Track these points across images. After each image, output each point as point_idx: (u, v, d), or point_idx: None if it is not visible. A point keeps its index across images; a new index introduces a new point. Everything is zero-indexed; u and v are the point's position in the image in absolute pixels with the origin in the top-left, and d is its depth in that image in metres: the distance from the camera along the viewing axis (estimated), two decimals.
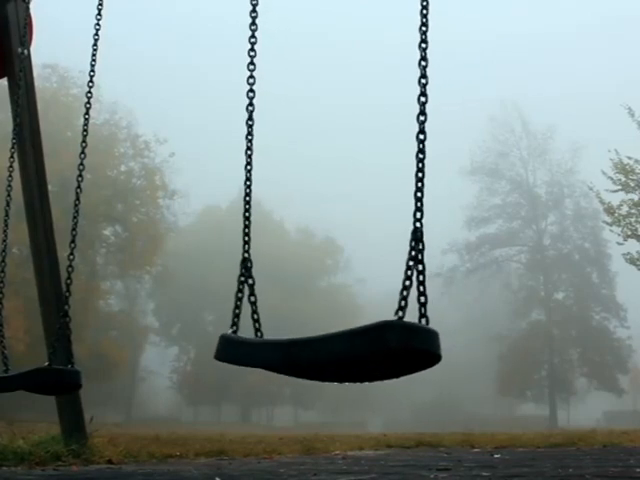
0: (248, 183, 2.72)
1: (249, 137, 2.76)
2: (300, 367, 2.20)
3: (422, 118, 2.18)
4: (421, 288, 2.02)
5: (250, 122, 2.77)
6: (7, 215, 4.32)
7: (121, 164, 38.93)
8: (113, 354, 36.21)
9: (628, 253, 24.46)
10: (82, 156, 4.06)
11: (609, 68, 65.98)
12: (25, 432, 6.20)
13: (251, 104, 2.77)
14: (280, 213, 56.47)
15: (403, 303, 1.98)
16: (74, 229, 3.99)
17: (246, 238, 2.62)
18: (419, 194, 2.12)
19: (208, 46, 76.69)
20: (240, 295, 2.46)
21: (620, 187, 24.57)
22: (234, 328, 2.40)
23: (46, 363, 3.69)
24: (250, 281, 2.49)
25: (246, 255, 2.55)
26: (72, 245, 3.92)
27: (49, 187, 5.57)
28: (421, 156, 2.16)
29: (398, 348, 1.91)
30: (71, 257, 3.83)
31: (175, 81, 74.18)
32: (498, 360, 46.68)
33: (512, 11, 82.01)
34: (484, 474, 3.56)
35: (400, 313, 1.96)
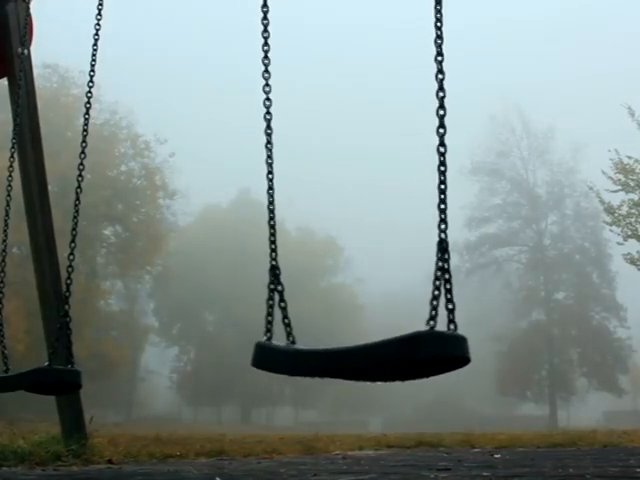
0: (271, 192, 2.75)
1: (269, 146, 2.79)
2: (336, 374, 2.37)
3: (442, 131, 2.25)
4: (449, 296, 2.12)
5: (269, 131, 2.79)
6: (7, 215, 4.32)
7: (121, 164, 38.90)
8: (113, 354, 36.19)
9: (628, 253, 24.48)
10: (82, 156, 4.05)
11: (610, 68, 65.96)
12: (25, 432, 6.21)
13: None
14: (280, 213, 56.09)
15: (434, 313, 2.09)
16: (74, 229, 3.98)
17: (272, 246, 2.66)
18: (442, 206, 2.20)
19: (208, 47, 76.64)
20: (271, 302, 2.53)
21: (620, 187, 24.58)
22: (268, 335, 2.47)
23: (46, 363, 3.69)
24: (279, 288, 2.55)
25: (274, 263, 2.61)
26: (72, 245, 3.91)
27: (49, 187, 5.57)
28: (442, 169, 2.23)
29: (431, 356, 2.08)
30: (71, 257, 3.82)
31: (176, 81, 74.16)
32: (498, 360, 46.67)
33: (512, 10, 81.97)
34: (484, 474, 3.56)
35: (431, 323, 2.07)
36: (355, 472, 3.96)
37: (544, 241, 49.21)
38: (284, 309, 2.52)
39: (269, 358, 2.44)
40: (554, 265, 48.11)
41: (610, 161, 24.79)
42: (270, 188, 2.74)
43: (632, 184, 24.38)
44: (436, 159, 2.22)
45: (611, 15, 70.92)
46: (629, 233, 23.91)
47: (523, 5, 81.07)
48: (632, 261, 24.36)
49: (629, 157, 24.41)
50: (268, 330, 2.47)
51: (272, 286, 2.55)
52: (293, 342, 2.46)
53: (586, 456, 5.31)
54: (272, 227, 2.70)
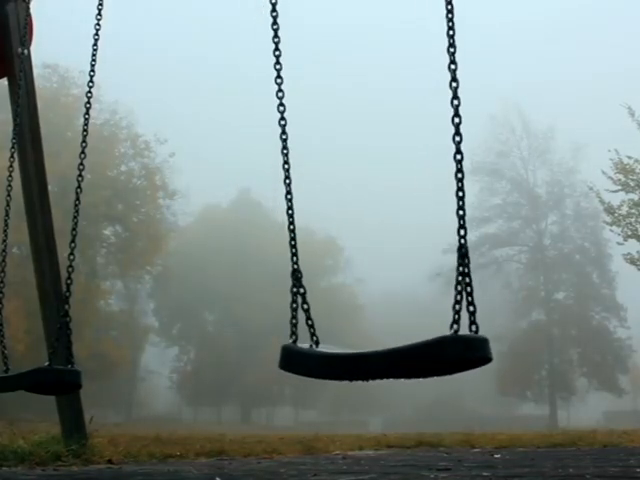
0: (289, 197, 2.80)
1: (284, 152, 2.82)
2: (360, 377, 2.40)
3: (457, 139, 2.30)
4: (469, 299, 2.18)
5: (284, 137, 2.80)
6: (7, 215, 4.32)
7: (121, 164, 38.88)
8: (113, 354, 36.18)
9: (628, 253, 24.46)
10: (82, 156, 4.05)
11: (610, 68, 65.94)
12: (25, 432, 6.21)
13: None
14: (280, 212, 56.27)
15: (457, 317, 2.15)
16: (74, 229, 3.98)
17: (293, 250, 2.69)
18: (461, 212, 2.30)
19: (208, 47, 76.61)
20: (295, 305, 2.58)
21: (620, 187, 24.56)
22: (293, 337, 2.53)
23: (46, 363, 3.69)
24: (302, 290, 2.60)
25: (295, 266, 2.64)
26: (72, 245, 3.91)
27: (49, 187, 5.56)
28: (460, 176, 2.29)
29: (457, 359, 2.17)
30: (71, 257, 3.82)
31: (176, 81, 74.11)
32: (498, 360, 46.61)
33: (512, 10, 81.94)
34: (484, 474, 3.56)
35: (455, 327, 2.14)
36: (355, 472, 3.96)
37: (544, 241, 49.20)
38: (307, 311, 2.57)
39: (295, 361, 2.49)
40: (554, 265, 48.09)
41: (610, 161, 24.77)
42: (288, 193, 2.79)
43: (632, 184, 24.35)
44: (453, 167, 2.28)
45: (611, 15, 70.94)
46: (629, 233, 23.90)
47: (523, 5, 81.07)
48: (632, 261, 24.34)
49: (629, 157, 24.39)
50: (293, 333, 2.53)
51: (295, 289, 2.60)
52: (317, 342, 2.50)
53: (586, 456, 5.31)
54: (292, 232, 2.74)
